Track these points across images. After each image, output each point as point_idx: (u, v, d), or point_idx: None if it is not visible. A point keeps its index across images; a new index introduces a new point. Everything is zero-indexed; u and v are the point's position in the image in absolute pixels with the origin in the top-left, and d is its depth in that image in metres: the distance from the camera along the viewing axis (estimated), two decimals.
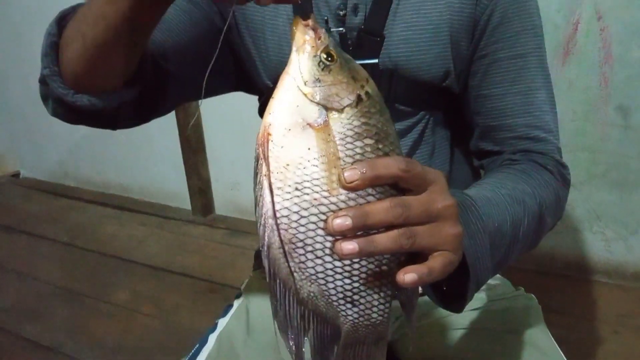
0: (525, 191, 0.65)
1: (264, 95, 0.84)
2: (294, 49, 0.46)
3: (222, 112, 2.19)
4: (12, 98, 2.87)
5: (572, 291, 1.66)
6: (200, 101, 0.61)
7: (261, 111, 0.86)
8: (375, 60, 0.72)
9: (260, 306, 0.87)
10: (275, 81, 0.78)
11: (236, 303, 0.92)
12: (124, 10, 0.53)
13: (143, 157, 2.56)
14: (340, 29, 0.73)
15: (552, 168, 0.70)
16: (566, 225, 1.68)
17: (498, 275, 0.89)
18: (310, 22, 0.46)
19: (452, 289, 0.56)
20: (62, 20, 0.63)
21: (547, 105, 0.73)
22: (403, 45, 0.72)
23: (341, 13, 0.73)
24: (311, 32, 0.46)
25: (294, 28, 0.47)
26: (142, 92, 0.68)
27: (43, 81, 0.64)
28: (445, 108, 0.79)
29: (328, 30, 0.72)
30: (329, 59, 0.44)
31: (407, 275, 0.41)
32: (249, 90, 0.87)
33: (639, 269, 1.64)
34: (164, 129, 2.38)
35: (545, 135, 0.72)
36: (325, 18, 0.73)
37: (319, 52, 0.44)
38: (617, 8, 1.40)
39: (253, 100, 0.86)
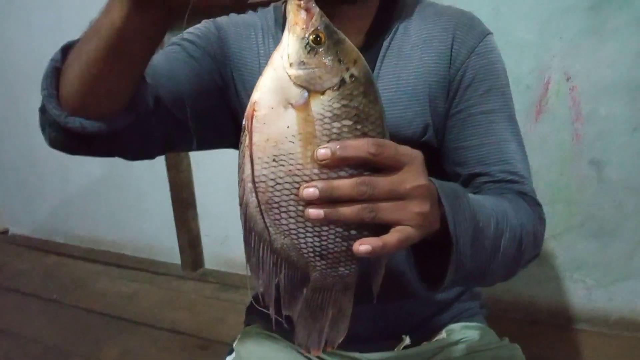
0: (508, 209, 0.69)
1: None
2: (286, 28, 0.49)
3: (213, 167, 2.24)
4: (4, 155, 2.91)
5: (556, 339, 1.68)
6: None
7: None
8: None
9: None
10: None
11: (228, 359, 0.94)
12: (115, 21, 0.55)
13: (133, 213, 2.59)
14: None
15: (530, 203, 0.75)
16: (548, 275, 1.72)
17: (483, 325, 0.92)
18: (303, 2, 0.48)
19: (432, 272, 0.60)
20: (67, 48, 0.66)
21: (518, 154, 0.79)
22: (385, 105, 0.76)
23: None
24: (303, 13, 0.48)
25: (288, 7, 0.49)
26: (142, 127, 0.70)
27: (42, 108, 0.66)
28: (426, 161, 0.84)
29: None
30: (317, 40, 0.47)
31: (362, 247, 0.46)
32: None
33: (621, 317, 1.68)
34: (154, 185, 2.43)
35: (520, 179, 0.77)
36: None
37: (307, 35, 0.47)
38: (584, 70, 1.50)
39: None
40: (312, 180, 0.47)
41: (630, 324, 1.66)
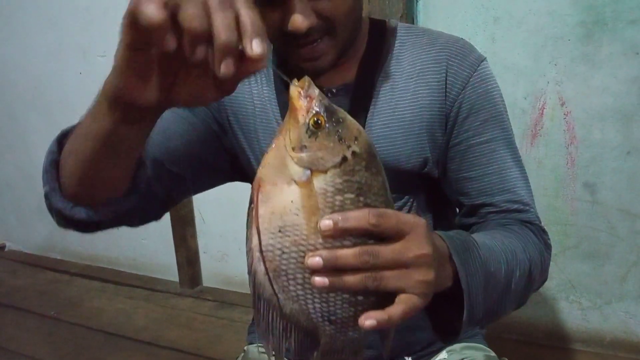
0: (517, 246, 0.70)
1: None
2: (288, 111, 0.50)
3: None
4: (1, 172, 2.92)
5: None
6: None
7: None
8: None
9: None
10: None
11: None
12: (107, 127, 0.56)
13: (131, 230, 2.58)
14: None
15: (535, 232, 0.76)
16: (543, 296, 1.75)
17: (483, 346, 0.94)
18: (305, 86, 0.50)
19: (446, 322, 0.62)
20: (62, 138, 0.67)
21: (521, 181, 0.79)
22: (382, 141, 0.79)
23: None
24: (302, 98, 0.49)
25: (291, 90, 0.50)
26: (144, 197, 0.71)
27: (47, 196, 0.68)
28: (427, 191, 0.85)
29: None
30: (317, 124, 0.48)
31: (367, 321, 0.48)
32: (244, 179, 0.93)
33: (615, 337, 1.70)
34: None
35: (524, 207, 0.78)
36: None
37: (307, 120, 0.48)
38: (578, 95, 1.54)
39: None
40: (317, 249, 0.48)
41: (624, 345, 1.68)
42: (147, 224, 0.81)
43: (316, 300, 0.51)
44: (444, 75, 0.78)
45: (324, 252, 0.47)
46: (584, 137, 1.56)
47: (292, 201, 0.48)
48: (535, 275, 0.71)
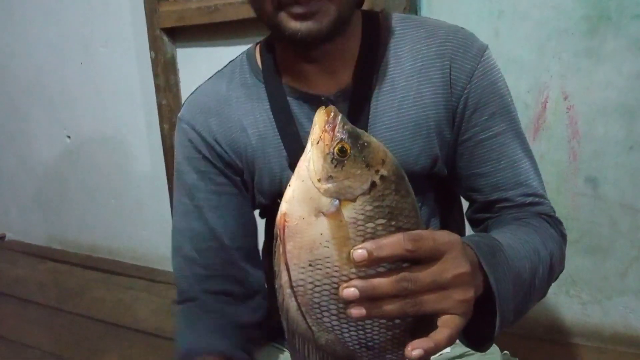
0: (537, 241, 0.68)
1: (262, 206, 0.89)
2: (310, 139, 0.48)
3: None
4: (2, 163, 2.92)
5: (552, 354, 1.70)
6: None
7: (262, 214, 0.92)
8: None
9: None
10: (271, 199, 0.83)
11: None
12: None
13: (132, 222, 2.60)
14: None
15: (552, 224, 0.76)
16: None
17: None
18: (329, 116, 0.48)
19: (476, 329, 0.60)
20: None
21: (532, 172, 0.78)
22: (388, 144, 0.74)
23: None
24: (328, 127, 0.47)
25: (316, 118, 0.49)
26: None
27: None
28: (434, 190, 0.84)
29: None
30: (343, 151, 0.46)
31: (415, 351, 0.45)
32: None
33: (615, 332, 1.70)
34: (153, 195, 2.44)
35: (539, 199, 0.77)
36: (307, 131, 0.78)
37: (332, 149, 0.46)
38: (580, 89, 1.53)
39: None
40: (350, 279, 0.46)
41: (624, 339, 1.69)
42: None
43: (352, 329, 0.49)
44: (448, 70, 0.75)
45: (359, 283, 0.45)
46: (586, 131, 1.56)
47: (321, 234, 0.46)
48: (556, 268, 0.71)
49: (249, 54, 0.84)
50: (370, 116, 0.76)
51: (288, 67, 0.79)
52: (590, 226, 1.64)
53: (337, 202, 0.46)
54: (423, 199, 0.83)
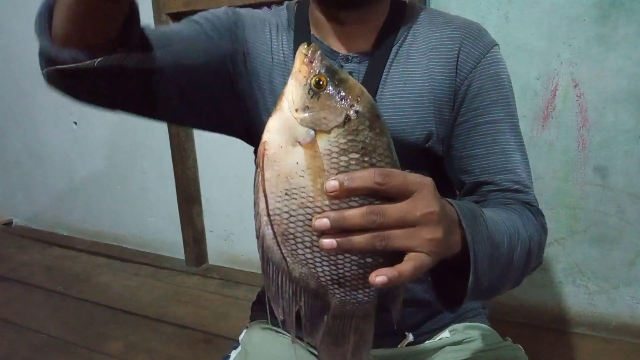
0: (519, 223, 0.71)
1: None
2: (291, 74, 0.51)
3: (219, 164, 2.26)
4: (8, 149, 2.92)
5: (557, 343, 1.70)
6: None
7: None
8: None
9: (259, 356, 0.90)
10: None
11: (233, 353, 0.95)
12: None
13: (137, 208, 2.61)
14: None
15: (534, 213, 0.77)
16: (550, 279, 1.74)
17: (486, 326, 0.94)
18: (310, 54, 0.51)
19: (450, 292, 0.61)
20: None
21: (522, 164, 0.81)
22: (391, 110, 0.80)
23: None
24: (306, 60, 0.50)
25: (297, 54, 0.51)
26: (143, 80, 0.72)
27: (39, 51, 0.67)
28: (429, 167, 0.85)
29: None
30: (319, 84, 0.49)
31: (378, 278, 0.47)
32: (249, 139, 0.93)
33: (621, 322, 1.69)
34: (159, 181, 2.44)
35: (524, 188, 0.79)
36: None
37: (309, 81, 0.49)
38: (591, 77, 1.51)
39: (248, 153, 0.92)
40: (324, 211, 0.48)
41: (631, 330, 1.68)
42: (143, 114, 0.82)
43: (325, 263, 0.51)
44: (457, 52, 0.80)
45: (331, 213, 0.47)
46: (596, 119, 1.54)
47: (297, 163, 0.48)
48: (534, 254, 0.71)
49: (288, 6, 0.91)
50: (380, 81, 0.81)
51: (317, 22, 0.85)
52: (598, 215, 1.62)
53: (312, 132, 0.48)
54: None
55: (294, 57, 0.82)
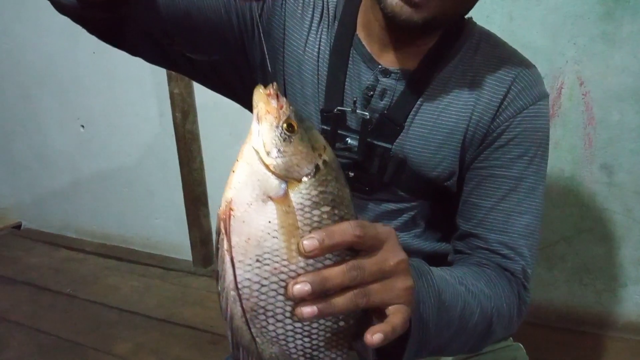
0: (484, 292, 0.67)
1: None
2: (254, 118, 0.47)
3: (226, 166, 2.26)
4: (16, 153, 2.94)
5: (565, 342, 1.70)
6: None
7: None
8: (390, 146, 0.76)
9: None
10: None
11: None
12: None
13: (144, 210, 2.62)
14: (365, 113, 0.75)
15: (513, 284, 0.73)
16: (557, 278, 1.74)
17: None
18: (272, 91, 0.47)
19: (389, 349, 0.57)
20: None
21: (527, 231, 0.75)
22: (417, 140, 0.76)
23: (369, 94, 0.77)
24: (273, 102, 0.47)
25: (255, 97, 0.47)
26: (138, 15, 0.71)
27: None
28: (435, 201, 0.82)
29: (354, 111, 0.76)
30: (291, 128, 0.46)
31: (375, 336, 0.44)
32: (246, 102, 0.87)
33: (629, 321, 1.69)
34: (166, 183, 2.45)
35: (514, 256, 0.74)
36: (355, 99, 0.77)
37: (280, 123, 0.46)
38: (596, 75, 1.51)
39: None
40: (298, 274, 0.44)
41: (638, 328, 1.68)
42: (116, 40, 0.79)
43: (297, 336, 0.47)
44: (502, 97, 0.74)
45: (310, 276, 0.43)
46: (602, 117, 1.54)
47: (269, 222, 0.44)
48: (496, 327, 0.68)
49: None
50: (414, 107, 0.76)
51: (367, 24, 0.78)
52: (605, 214, 1.62)
53: (284, 185, 0.45)
54: (421, 207, 0.81)
55: (329, 52, 0.79)
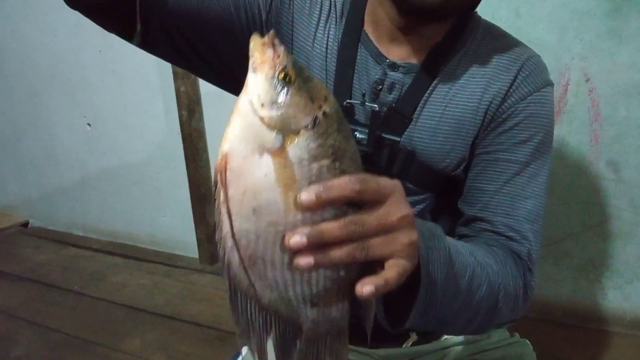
0: (492, 267, 0.67)
1: None
2: (250, 68, 0.45)
3: None
4: (25, 151, 2.96)
5: (571, 338, 1.69)
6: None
7: None
8: (398, 139, 0.77)
9: (269, 352, 0.91)
10: None
11: (244, 350, 0.95)
12: None
13: (151, 207, 2.63)
14: (375, 105, 0.77)
15: (519, 265, 0.73)
16: (563, 274, 1.74)
17: None
18: (268, 39, 0.45)
19: (396, 309, 0.58)
20: None
21: (531, 215, 0.75)
22: (425, 132, 0.77)
23: (378, 88, 0.78)
24: (270, 51, 0.45)
25: (251, 45, 0.45)
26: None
27: None
28: (446, 191, 0.82)
29: (363, 104, 0.77)
30: (287, 79, 0.44)
31: (365, 288, 0.44)
32: (225, 84, 0.88)
33: (636, 317, 1.69)
34: (172, 181, 2.46)
35: (519, 237, 0.74)
36: (364, 92, 0.78)
37: (276, 73, 0.44)
38: (602, 71, 1.50)
39: None
40: (296, 227, 0.43)
41: None
42: (117, 27, 0.79)
43: (297, 284, 0.46)
44: (509, 85, 0.75)
45: (307, 230, 0.43)
46: (608, 114, 1.54)
47: (265, 175, 0.43)
48: (502, 305, 0.67)
49: None
50: (422, 99, 0.77)
51: (375, 20, 0.80)
52: (611, 210, 1.62)
53: (281, 136, 0.43)
54: (432, 197, 0.82)
55: (337, 48, 0.80)
